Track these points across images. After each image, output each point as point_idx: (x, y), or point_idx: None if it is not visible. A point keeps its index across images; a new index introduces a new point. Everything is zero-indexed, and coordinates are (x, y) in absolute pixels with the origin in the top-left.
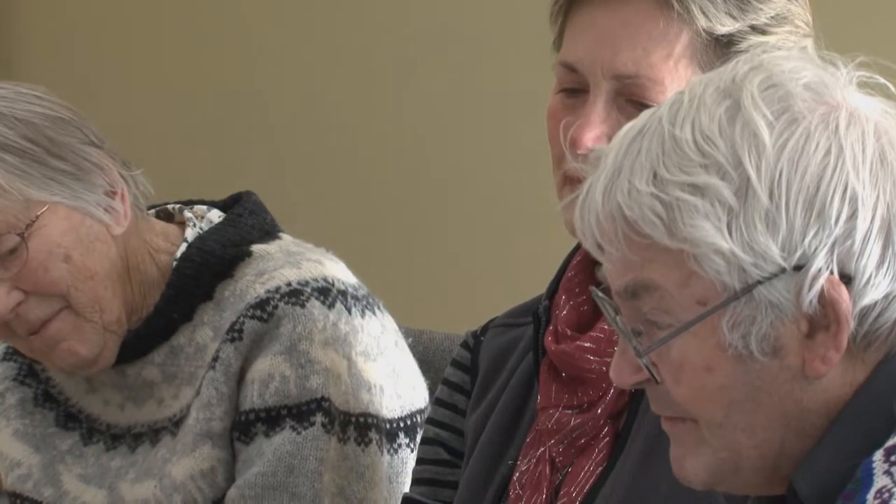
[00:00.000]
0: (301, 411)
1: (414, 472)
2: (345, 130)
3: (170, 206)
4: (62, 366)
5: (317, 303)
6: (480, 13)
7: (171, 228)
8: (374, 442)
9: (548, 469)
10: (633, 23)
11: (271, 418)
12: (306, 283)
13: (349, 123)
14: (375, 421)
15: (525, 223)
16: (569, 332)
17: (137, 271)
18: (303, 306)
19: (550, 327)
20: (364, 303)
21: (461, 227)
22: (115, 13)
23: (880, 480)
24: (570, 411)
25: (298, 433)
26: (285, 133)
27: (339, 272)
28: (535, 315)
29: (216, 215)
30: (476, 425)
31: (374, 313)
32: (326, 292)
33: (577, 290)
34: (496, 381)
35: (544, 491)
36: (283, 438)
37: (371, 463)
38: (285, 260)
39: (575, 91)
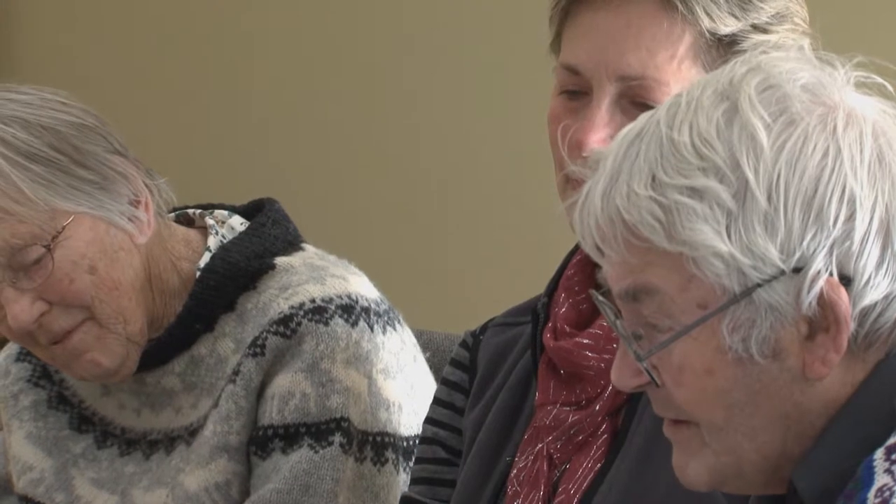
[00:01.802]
0: (320, 430)
1: (412, 471)
2: (344, 131)
3: (190, 211)
4: (83, 375)
5: (340, 321)
6: (487, 16)
7: (193, 234)
8: (391, 461)
9: (546, 466)
10: (636, 24)
11: (289, 435)
12: (330, 300)
13: (348, 124)
14: (392, 440)
15: (525, 223)
16: (567, 329)
17: (159, 280)
18: (326, 324)
19: (549, 324)
20: (385, 318)
21: (461, 228)
22: (115, 13)
23: (881, 479)
24: (568, 408)
25: (316, 452)
26: (285, 132)
27: (362, 287)
28: (534, 312)
29: (238, 222)
30: (474, 423)
31: (394, 328)
32: (350, 310)
33: (576, 288)
34: (495, 379)
35: (542, 487)
36: (301, 456)
37: (387, 483)
38: (309, 275)
39: (576, 93)
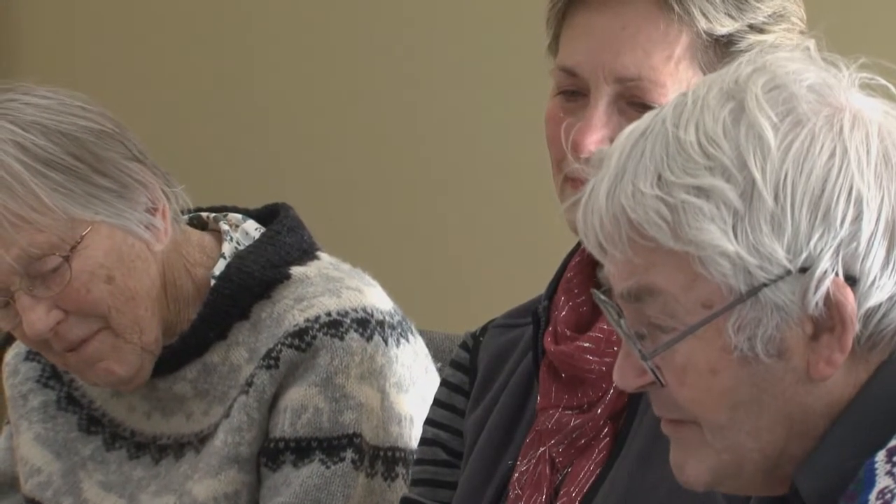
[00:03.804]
0: (332, 445)
1: (413, 472)
2: (344, 130)
3: (203, 214)
4: (97, 382)
5: (355, 335)
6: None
7: (207, 239)
8: (402, 476)
9: (548, 469)
10: (632, 25)
11: (301, 449)
12: (346, 314)
13: (348, 123)
14: (403, 454)
15: (525, 224)
16: (568, 333)
17: (174, 287)
18: (341, 339)
19: (550, 328)
20: (399, 330)
21: (461, 228)
22: (115, 13)
23: (882, 481)
24: (570, 412)
25: (328, 467)
26: (286, 132)
27: (376, 300)
28: (535, 315)
29: (252, 227)
30: (475, 425)
31: (407, 340)
32: (365, 324)
33: (575, 290)
34: (495, 382)
35: (544, 491)
36: (312, 471)
37: (397, 498)
38: (325, 287)
39: (574, 94)
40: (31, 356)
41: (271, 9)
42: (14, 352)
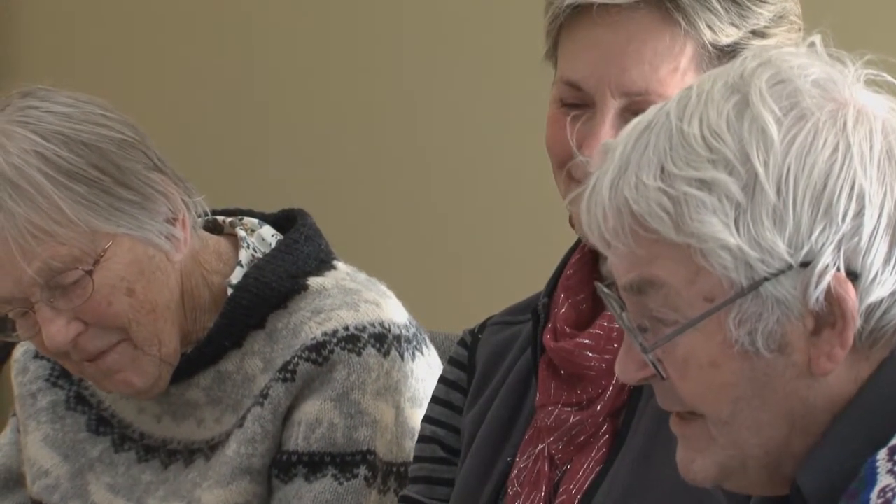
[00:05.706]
0: (345, 461)
1: (410, 470)
2: (344, 129)
3: (219, 218)
4: (113, 391)
5: (373, 350)
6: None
7: (224, 245)
8: None
9: (547, 466)
10: (637, 39)
11: (314, 463)
12: (363, 329)
13: (348, 122)
14: None
15: (524, 223)
16: (568, 330)
17: (191, 296)
18: (359, 354)
19: (549, 325)
20: (414, 343)
21: (462, 228)
22: (115, 13)
23: (884, 479)
24: (569, 409)
25: (340, 483)
26: (284, 131)
27: (393, 313)
28: (535, 312)
29: (269, 233)
30: (473, 422)
31: (422, 353)
32: (382, 339)
33: (575, 288)
34: (493, 378)
35: (543, 488)
36: (324, 486)
37: None
38: (343, 300)
39: (577, 105)
40: (40, 354)
41: (273, 8)
42: (23, 348)
